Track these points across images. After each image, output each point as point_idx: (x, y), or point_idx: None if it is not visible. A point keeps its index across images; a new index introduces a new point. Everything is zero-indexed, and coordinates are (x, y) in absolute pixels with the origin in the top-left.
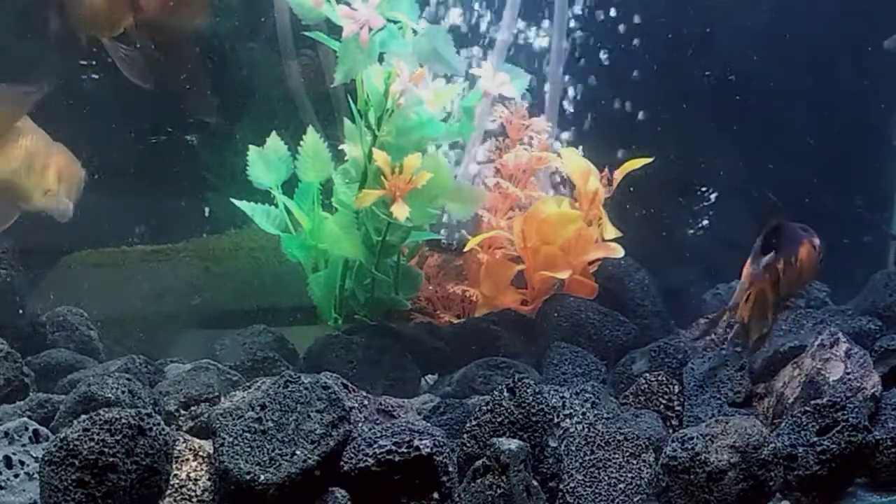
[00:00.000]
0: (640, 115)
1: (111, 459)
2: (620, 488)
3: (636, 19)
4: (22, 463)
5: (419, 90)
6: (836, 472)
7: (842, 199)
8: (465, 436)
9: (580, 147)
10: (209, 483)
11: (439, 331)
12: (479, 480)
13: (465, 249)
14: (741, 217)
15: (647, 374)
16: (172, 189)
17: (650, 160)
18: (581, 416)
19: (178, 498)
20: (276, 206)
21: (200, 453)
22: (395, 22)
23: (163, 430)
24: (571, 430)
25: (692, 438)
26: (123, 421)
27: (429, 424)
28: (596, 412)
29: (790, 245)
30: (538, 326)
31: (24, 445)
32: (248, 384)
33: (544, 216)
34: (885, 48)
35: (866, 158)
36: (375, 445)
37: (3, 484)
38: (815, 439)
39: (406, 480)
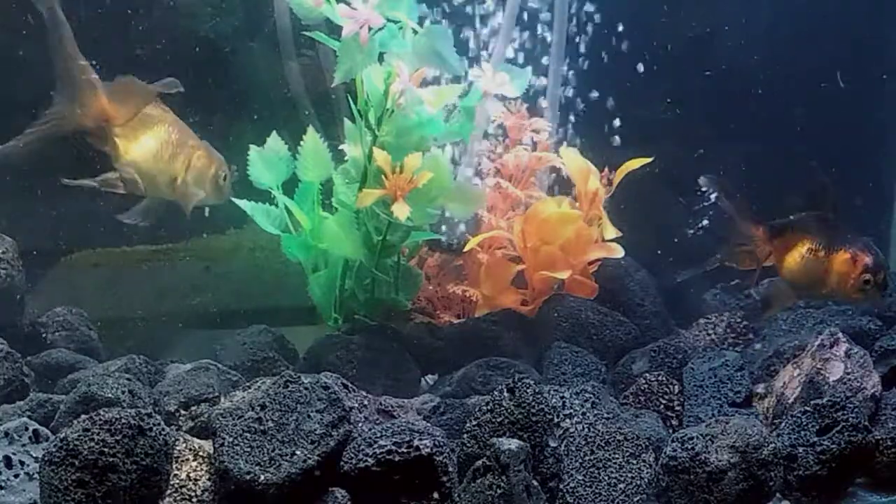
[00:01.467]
0: (639, 115)
1: (111, 459)
2: (620, 488)
3: (634, 18)
4: (22, 463)
5: (419, 90)
6: (836, 472)
7: (842, 199)
8: (465, 436)
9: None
10: (209, 483)
11: (439, 331)
12: (479, 480)
13: (465, 249)
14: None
15: (647, 374)
16: None
17: (649, 160)
18: (581, 416)
19: (178, 498)
20: (276, 205)
21: (200, 453)
22: (395, 22)
23: (163, 430)
24: (571, 430)
25: (692, 438)
26: (123, 421)
27: (429, 424)
28: (596, 412)
29: (830, 241)
30: (538, 326)
31: (24, 445)
32: (248, 384)
33: (544, 216)
34: None
35: (866, 158)
36: (375, 445)
37: (3, 484)
38: (815, 439)
39: (406, 480)
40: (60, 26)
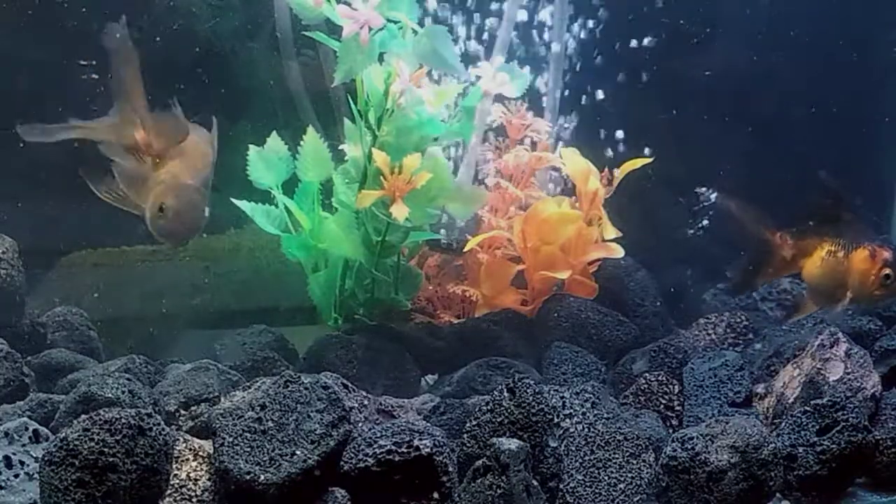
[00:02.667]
0: (638, 115)
1: (111, 459)
2: (620, 488)
3: (633, 18)
4: (22, 463)
5: (419, 90)
6: (836, 472)
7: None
8: (465, 436)
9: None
10: (209, 483)
11: (439, 331)
12: (479, 480)
13: (465, 249)
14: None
15: (647, 374)
16: None
17: (649, 160)
18: (581, 416)
19: (178, 498)
20: (276, 206)
21: (200, 453)
22: (395, 22)
23: (163, 430)
24: (571, 430)
25: (692, 438)
26: (123, 421)
27: (429, 424)
28: (596, 412)
29: (848, 241)
30: (538, 326)
31: (24, 445)
32: (248, 384)
33: (544, 216)
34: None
35: (866, 158)
36: (375, 445)
37: (3, 484)
38: (815, 439)
39: (406, 480)
40: (130, 54)
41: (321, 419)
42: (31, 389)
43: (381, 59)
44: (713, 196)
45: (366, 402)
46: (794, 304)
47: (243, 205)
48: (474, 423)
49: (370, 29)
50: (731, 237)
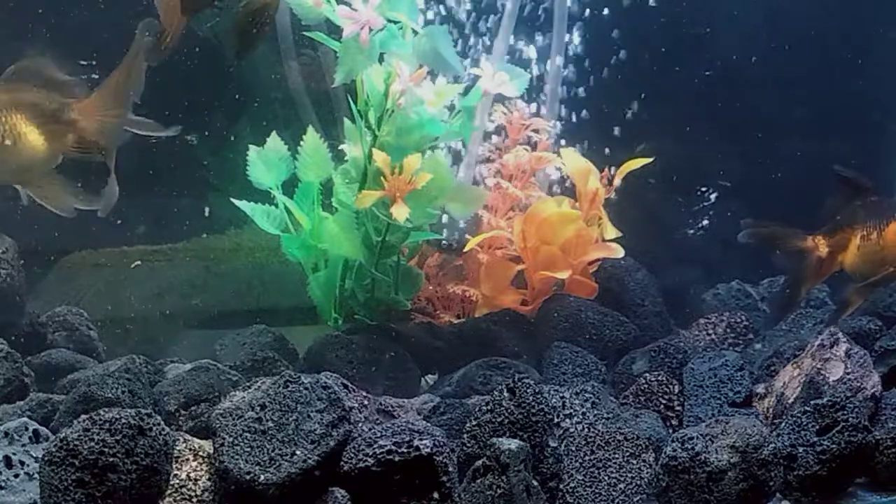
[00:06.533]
0: (638, 114)
1: (111, 459)
2: (620, 488)
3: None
4: (22, 463)
5: (419, 90)
6: (836, 472)
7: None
8: (465, 436)
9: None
10: (209, 483)
11: (439, 331)
12: (479, 480)
13: (465, 249)
14: (741, 216)
15: (647, 374)
16: (172, 189)
17: (650, 160)
18: (581, 416)
19: (178, 498)
20: (276, 206)
21: (200, 453)
22: (395, 22)
23: (163, 430)
24: (571, 430)
25: (692, 438)
26: (123, 421)
27: (429, 424)
28: (596, 412)
29: (876, 220)
30: (538, 326)
31: (24, 445)
32: (248, 384)
33: (544, 216)
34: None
35: (866, 158)
36: (375, 445)
37: (3, 484)
38: (815, 439)
39: (406, 480)
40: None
41: (321, 419)
42: (31, 389)
43: (381, 59)
44: (713, 196)
45: (366, 402)
46: (842, 301)
47: (243, 205)
48: (474, 423)
49: (370, 29)
50: (771, 258)
